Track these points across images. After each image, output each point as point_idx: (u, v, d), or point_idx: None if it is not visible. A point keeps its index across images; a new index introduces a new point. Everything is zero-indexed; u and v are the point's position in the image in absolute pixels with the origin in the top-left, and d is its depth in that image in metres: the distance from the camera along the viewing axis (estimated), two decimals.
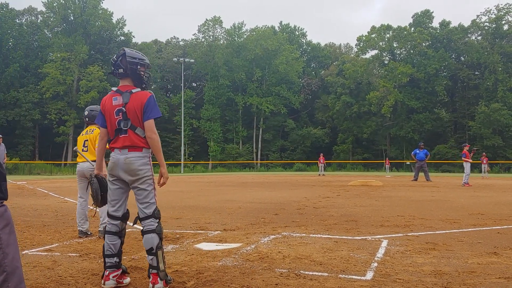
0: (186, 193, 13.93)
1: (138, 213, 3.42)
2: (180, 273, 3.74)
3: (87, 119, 5.85)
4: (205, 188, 16.67)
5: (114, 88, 3.52)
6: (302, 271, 3.79)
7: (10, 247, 2.32)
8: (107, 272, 3.36)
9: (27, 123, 47.54)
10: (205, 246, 4.96)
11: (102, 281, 3.36)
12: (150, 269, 3.29)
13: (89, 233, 5.72)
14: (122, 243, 3.49)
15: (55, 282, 3.51)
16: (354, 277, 3.61)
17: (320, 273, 3.72)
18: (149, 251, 3.29)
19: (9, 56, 49.01)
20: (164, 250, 3.40)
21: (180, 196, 12.59)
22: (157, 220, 3.37)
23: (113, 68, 3.53)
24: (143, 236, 3.35)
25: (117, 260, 3.41)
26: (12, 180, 23.07)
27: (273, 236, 5.57)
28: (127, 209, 3.55)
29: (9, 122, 46.89)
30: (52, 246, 5.05)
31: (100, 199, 3.69)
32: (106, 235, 3.44)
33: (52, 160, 46.10)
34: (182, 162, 47.20)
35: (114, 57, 3.53)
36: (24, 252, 4.65)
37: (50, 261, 4.25)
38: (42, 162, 43.63)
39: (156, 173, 3.47)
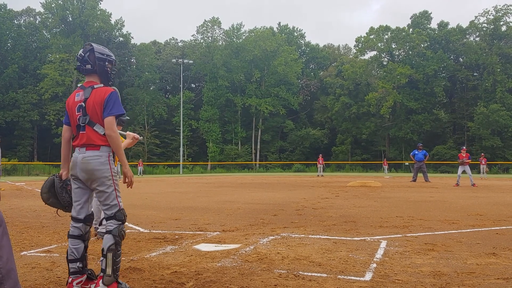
0: (185, 194, 13.92)
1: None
2: (179, 274, 3.74)
3: None
4: (204, 189, 16.66)
5: (79, 84, 3.43)
6: (301, 272, 3.79)
7: (4, 249, 2.30)
8: (70, 279, 3.21)
9: (25, 124, 47.49)
10: (204, 247, 4.96)
11: None
12: (100, 271, 3.17)
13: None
14: (86, 247, 3.32)
15: (53, 283, 3.50)
16: (353, 278, 3.61)
17: (319, 274, 3.72)
18: (101, 252, 3.17)
19: (8, 57, 48.98)
20: (120, 257, 3.21)
21: (179, 197, 12.59)
22: (119, 223, 3.21)
23: (79, 64, 3.36)
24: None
25: (80, 265, 3.24)
26: (10, 181, 23.04)
27: (272, 237, 5.57)
28: (92, 211, 3.41)
29: (8, 123, 46.84)
30: (51, 247, 5.04)
31: (48, 200, 3.40)
32: (69, 239, 3.29)
33: (51, 161, 45.99)
34: (181, 163, 47.22)
35: (81, 52, 3.36)
36: (22, 253, 4.64)
37: (48, 262, 4.25)
38: (41, 163, 43.56)
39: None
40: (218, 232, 6.02)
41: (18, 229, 6.39)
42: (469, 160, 18.35)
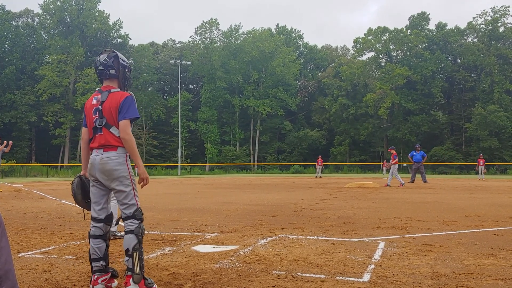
0: (183, 195, 13.91)
1: (121, 214, 3.41)
2: (177, 276, 3.73)
3: None
4: (202, 190, 16.65)
5: (97, 89, 3.56)
6: (299, 273, 3.79)
7: (2, 250, 2.30)
8: (95, 276, 3.33)
9: (23, 126, 47.38)
10: (202, 248, 4.95)
11: (91, 285, 3.33)
12: (127, 271, 3.28)
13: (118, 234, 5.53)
14: (107, 246, 3.44)
15: (51, 284, 3.50)
16: (351, 279, 3.61)
17: (317, 275, 3.72)
18: (126, 252, 3.27)
19: (5, 58, 48.87)
20: (143, 254, 3.35)
21: (177, 198, 12.58)
22: (138, 222, 3.33)
23: (102, 68, 3.47)
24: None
25: (104, 263, 3.37)
26: (8, 183, 22.97)
27: (270, 238, 5.57)
28: (111, 212, 3.53)
29: (5, 124, 46.73)
30: (49, 248, 5.03)
31: (82, 200, 3.56)
32: (90, 239, 3.39)
33: (49, 162, 45.94)
34: (179, 164, 47.16)
35: (104, 57, 3.47)
36: (20, 255, 4.63)
37: (46, 263, 4.24)
38: (39, 164, 43.47)
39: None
40: (216, 234, 6.01)
41: (16, 230, 6.37)
42: (391, 162, 18.81)
